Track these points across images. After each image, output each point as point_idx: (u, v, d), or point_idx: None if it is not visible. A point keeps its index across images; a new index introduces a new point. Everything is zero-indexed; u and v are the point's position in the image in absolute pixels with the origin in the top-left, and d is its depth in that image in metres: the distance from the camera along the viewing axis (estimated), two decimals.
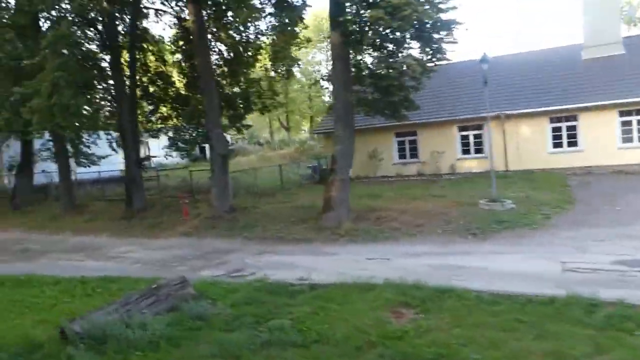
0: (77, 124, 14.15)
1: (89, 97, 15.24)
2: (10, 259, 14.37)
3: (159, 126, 21.37)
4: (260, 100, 18.31)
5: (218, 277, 10.72)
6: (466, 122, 22.96)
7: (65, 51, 13.48)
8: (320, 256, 11.98)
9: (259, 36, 17.98)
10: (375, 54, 14.20)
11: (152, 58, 21.33)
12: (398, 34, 12.79)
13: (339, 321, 7.28)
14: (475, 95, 23.17)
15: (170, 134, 21.48)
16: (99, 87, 18.64)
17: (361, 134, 25.06)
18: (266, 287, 9.26)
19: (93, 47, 16.99)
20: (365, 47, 13.80)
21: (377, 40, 13.09)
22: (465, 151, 23.38)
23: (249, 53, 18.17)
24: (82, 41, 15.38)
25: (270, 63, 17.80)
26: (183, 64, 20.68)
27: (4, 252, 15.32)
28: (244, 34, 17.90)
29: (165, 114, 21.36)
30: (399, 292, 8.13)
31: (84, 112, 14.80)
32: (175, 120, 21.25)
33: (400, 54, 13.65)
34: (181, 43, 20.15)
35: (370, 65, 14.40)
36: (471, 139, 23.19)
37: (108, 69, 18.21)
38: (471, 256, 10.89)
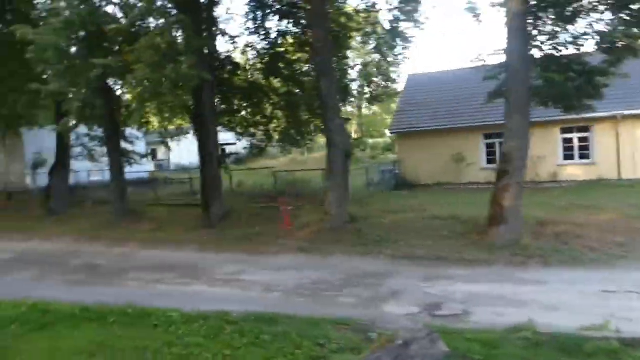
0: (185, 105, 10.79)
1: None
2: (82, 279, 11.06)
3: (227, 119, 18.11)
4: (370, 89, 15.21)
5: (416, 317, 7.69)
6: (570, 123, 20.16)
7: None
8: (525, 286, 8.94)
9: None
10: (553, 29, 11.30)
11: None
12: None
13: None
14: None
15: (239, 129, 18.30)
16: None
17: (442, 135, 22.25)
18: (548, 343, 6.21)
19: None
20: (546, 18, 10.91)
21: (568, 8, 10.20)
22: (568, 156, 20.58)
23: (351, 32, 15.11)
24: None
25: (377, 43, 14.66)
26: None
27: (67, 270, 11.99)
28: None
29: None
30: None
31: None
32: (244, 112, 18.11)
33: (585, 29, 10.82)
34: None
35: (545, 43, 11.47)
36: (575, 143, 20.43)
37: None
38: None
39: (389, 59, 14.50)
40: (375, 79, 14.99)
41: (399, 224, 12.83)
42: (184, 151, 39.49)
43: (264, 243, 12.86)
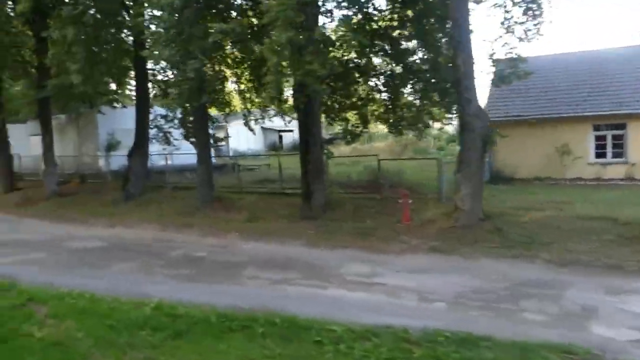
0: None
1: None
2: (189, 273, 9.85)
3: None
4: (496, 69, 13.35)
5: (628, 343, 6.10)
6: None
7: None
8: None
9: None
10: None
11: None
12: None
13: None
14: None
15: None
16: None
17: (543, 125, 20.18)
18: None
19: None
20: None
21: None
22: None
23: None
24: None
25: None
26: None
27: (168, 262, 10.82)
28: None
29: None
30: None
31: None
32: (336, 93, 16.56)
33: None
34: None
35: None
36: None
37: None
38: None
39: (519, 36, 12.64)
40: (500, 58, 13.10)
41: (542, 223, 11.11)
42: (242, 137, 38.44)
43: (382, 239, 11.36)
